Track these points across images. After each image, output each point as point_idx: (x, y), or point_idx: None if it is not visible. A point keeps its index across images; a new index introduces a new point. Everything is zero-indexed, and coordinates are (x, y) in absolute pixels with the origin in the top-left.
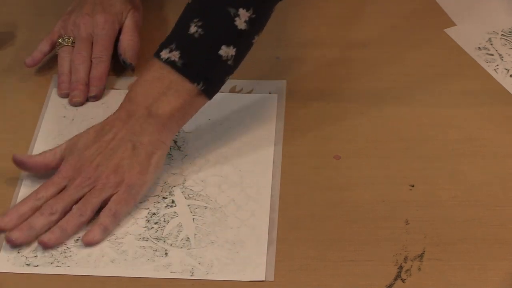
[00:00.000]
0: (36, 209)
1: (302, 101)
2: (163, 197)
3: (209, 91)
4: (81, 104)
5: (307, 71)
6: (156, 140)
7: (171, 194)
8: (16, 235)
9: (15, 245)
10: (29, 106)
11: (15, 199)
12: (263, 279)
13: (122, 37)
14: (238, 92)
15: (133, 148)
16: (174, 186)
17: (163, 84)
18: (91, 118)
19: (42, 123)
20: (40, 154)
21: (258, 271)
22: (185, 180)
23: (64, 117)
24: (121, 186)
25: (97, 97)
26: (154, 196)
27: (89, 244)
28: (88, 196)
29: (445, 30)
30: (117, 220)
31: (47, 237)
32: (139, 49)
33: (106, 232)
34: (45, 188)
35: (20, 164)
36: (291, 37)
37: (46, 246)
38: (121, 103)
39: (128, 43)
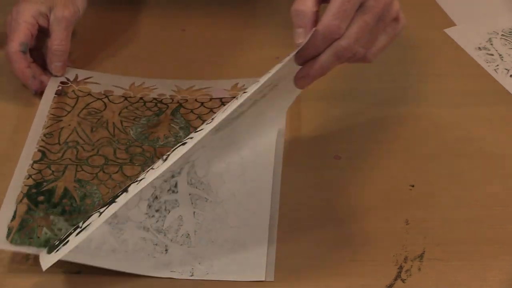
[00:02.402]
0: None
1: (302, 101)
2: (172, 175)
3: None
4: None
5: None
6: None
7: (178, 173)
8: None
9: None
10: (29, 106)
11: (13, 200)
12: (263, 279)
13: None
14: None
15: None
16: (184, 167)
17: None
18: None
19: (42, 123)
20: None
21: (258, 271)
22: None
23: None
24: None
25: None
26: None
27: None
28: None
29: (445, 30)
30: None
31: None
32: (67, 57)
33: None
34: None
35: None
36: (291, 37)
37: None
38: None
39: (55, 49)
